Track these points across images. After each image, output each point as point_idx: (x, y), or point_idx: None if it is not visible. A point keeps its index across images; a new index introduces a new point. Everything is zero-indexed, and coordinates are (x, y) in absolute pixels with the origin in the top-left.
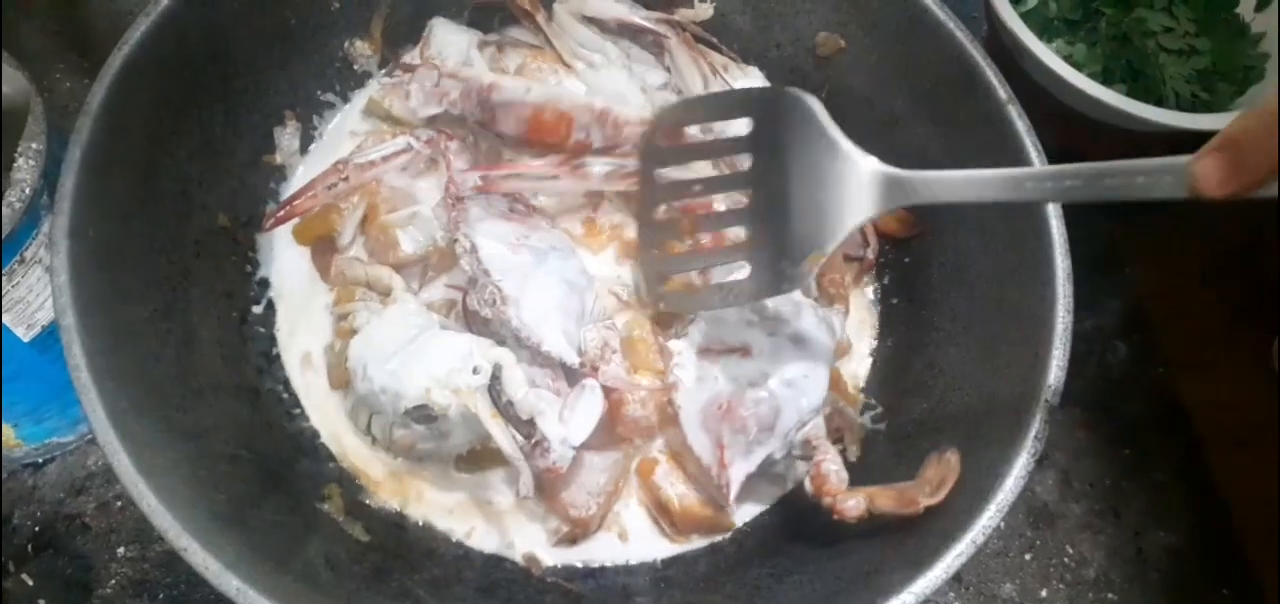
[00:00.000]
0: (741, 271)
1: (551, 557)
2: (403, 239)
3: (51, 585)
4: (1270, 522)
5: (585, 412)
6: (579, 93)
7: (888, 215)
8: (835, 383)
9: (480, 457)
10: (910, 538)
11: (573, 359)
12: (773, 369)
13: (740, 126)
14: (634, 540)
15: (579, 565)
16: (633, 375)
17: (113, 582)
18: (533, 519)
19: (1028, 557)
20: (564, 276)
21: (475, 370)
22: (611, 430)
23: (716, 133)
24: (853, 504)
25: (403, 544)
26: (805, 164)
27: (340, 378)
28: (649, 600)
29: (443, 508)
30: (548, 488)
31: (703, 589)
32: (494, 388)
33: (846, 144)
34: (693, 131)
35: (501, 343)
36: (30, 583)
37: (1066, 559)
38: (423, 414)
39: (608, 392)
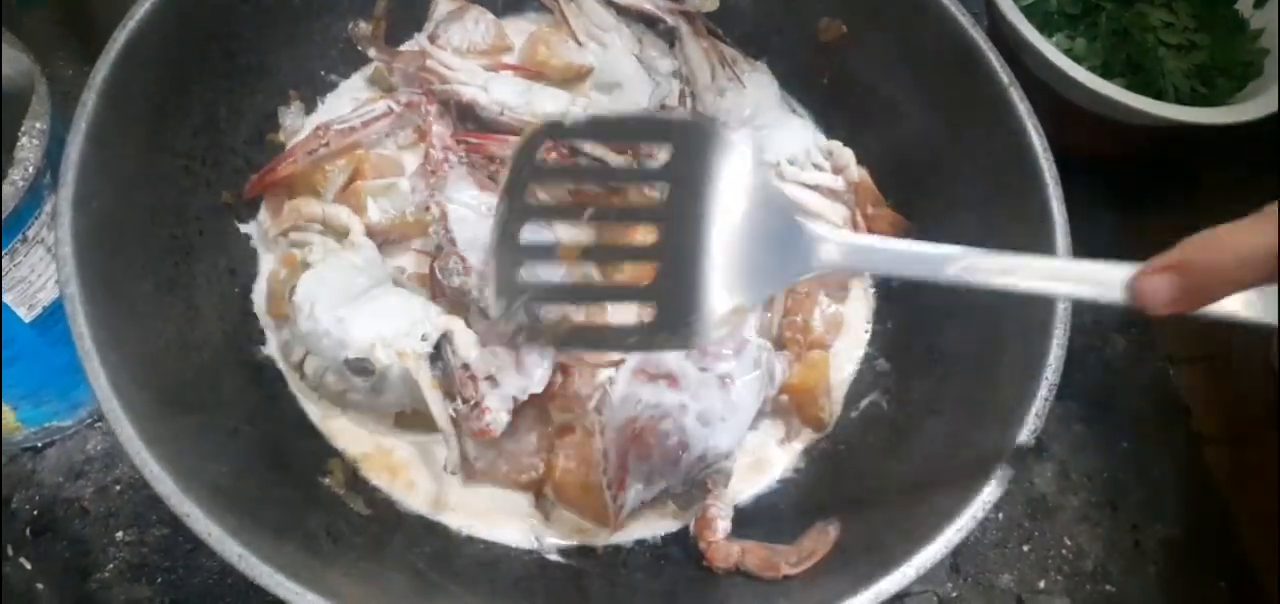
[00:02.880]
0: (642, 314)
1: (551, 535)
2: (371, 207)
3: (50, 569)
4: (1268, 516)
5: (538, 358)
6: (561, 102)
7: (879, 219)
8: (809, 384)
9: (417, 418)
10: (908, 515)
11: None
12: (693, 405)
13: (657, 154)
14: (633, 519)
15: (578, 543)
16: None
17: (111, 566)
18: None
19: (1026, 548)
20: None
21: (423, 337)
22: (553, 403)
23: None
24: (725, 554)
25: (403, 519)
26: (734, 211)
27: (280, 308)
28: (648, 576)
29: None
30: (488, 469)
31: (701, 566)
32: (438, 356)
33: (786, 199)
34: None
35: (465, 311)
36: (28, 567)
37: (1064, 551)
38: (361, 367)
39: (562, 366)
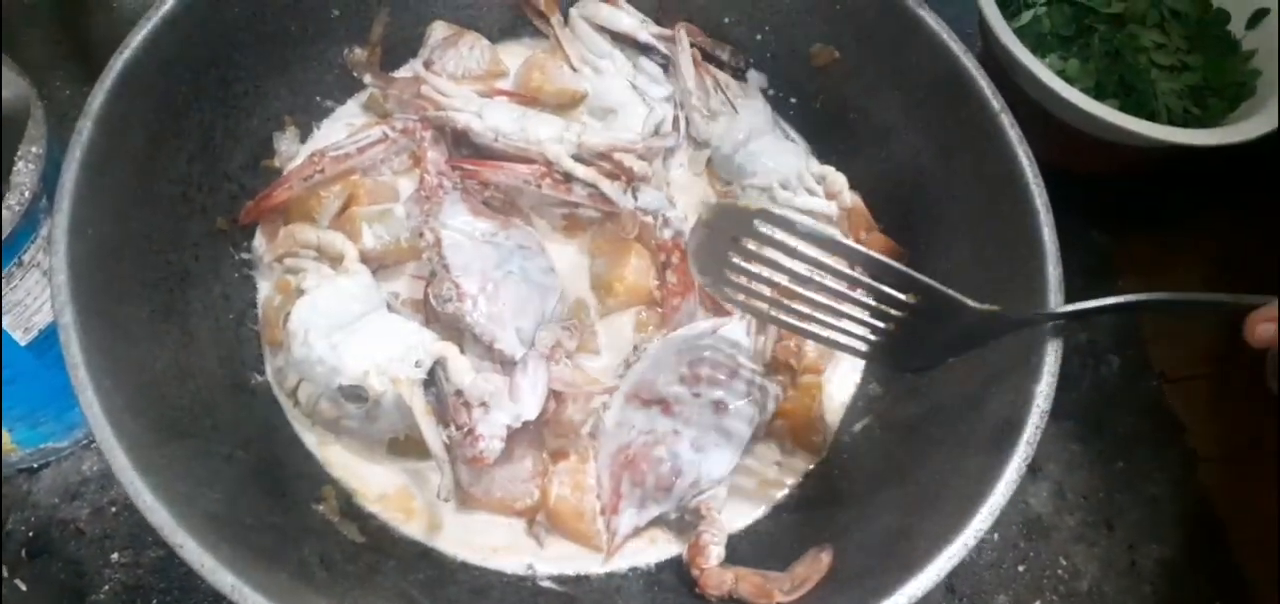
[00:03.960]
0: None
1: (544, 562)
2: (366, 233)
3: (45, 591)
4: (1264, 535)
5: (532, 384)
6: (555, 128)
7: (871, 245)
8: (803, 409)
9: (410, 445)
10: (903, 541)
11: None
12: (686, 431)
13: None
14: (627, 545)
15: (572, 572)
16: (576, 377)
17: (106, 588)
18: (524, 527)
19: (1021, 568)
20: (527, 276)
21: (417, 363)
22: (547, 428)
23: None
24: (718, 581)
25: (397, 545)
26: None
27: (275, 335)
28: None
29: (428, 524)
30: (483, 496)
31: (694, 593)
32: (431, 382)
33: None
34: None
35: (459, 337)
36: (24, 589)
37: (1060, 571)
38: (355, 394)
39: (555, 393)
